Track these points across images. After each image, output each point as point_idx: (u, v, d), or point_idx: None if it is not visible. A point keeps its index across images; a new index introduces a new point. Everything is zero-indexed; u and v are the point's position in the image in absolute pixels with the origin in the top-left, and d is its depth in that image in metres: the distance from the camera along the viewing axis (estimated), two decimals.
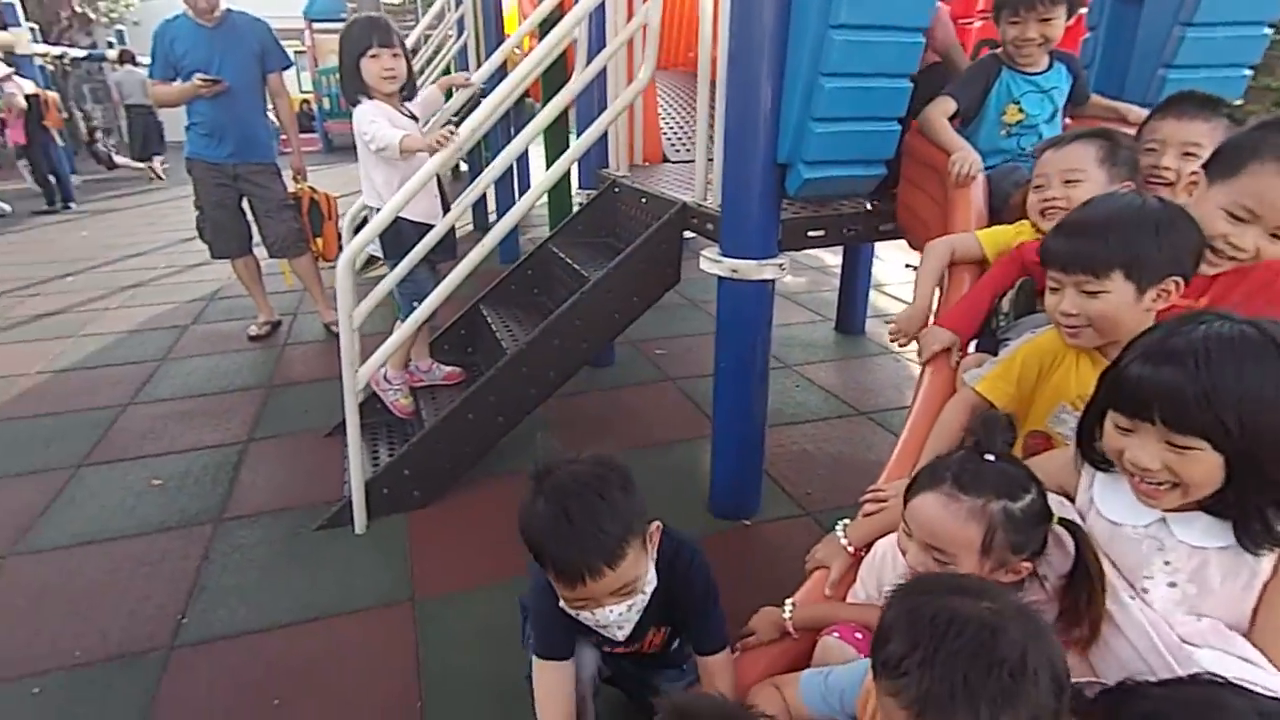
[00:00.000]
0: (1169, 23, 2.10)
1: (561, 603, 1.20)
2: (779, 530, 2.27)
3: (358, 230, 2.78)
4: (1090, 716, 0.81)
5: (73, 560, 2.22)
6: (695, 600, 1.29)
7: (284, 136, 4.00)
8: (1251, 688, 0.77)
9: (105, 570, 2.17)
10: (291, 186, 3.93)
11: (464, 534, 2.30)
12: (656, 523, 1.20)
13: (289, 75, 4.02)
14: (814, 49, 1.81)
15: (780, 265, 2.07)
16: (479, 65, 5.35)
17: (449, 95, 3.07)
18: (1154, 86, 2.15)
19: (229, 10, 3.56)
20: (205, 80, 3.44)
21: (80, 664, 1.82)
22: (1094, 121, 2.03)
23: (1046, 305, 1.22)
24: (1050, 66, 2.04)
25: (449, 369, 2.92)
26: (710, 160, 2.30)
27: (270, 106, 3.83)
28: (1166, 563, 0.95)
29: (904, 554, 1.08)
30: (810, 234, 2.20)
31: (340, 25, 13.54)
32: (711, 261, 2.10)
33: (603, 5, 2.74)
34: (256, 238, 3.93)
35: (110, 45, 12.40)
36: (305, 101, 13.51)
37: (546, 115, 2.41)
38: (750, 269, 2.04)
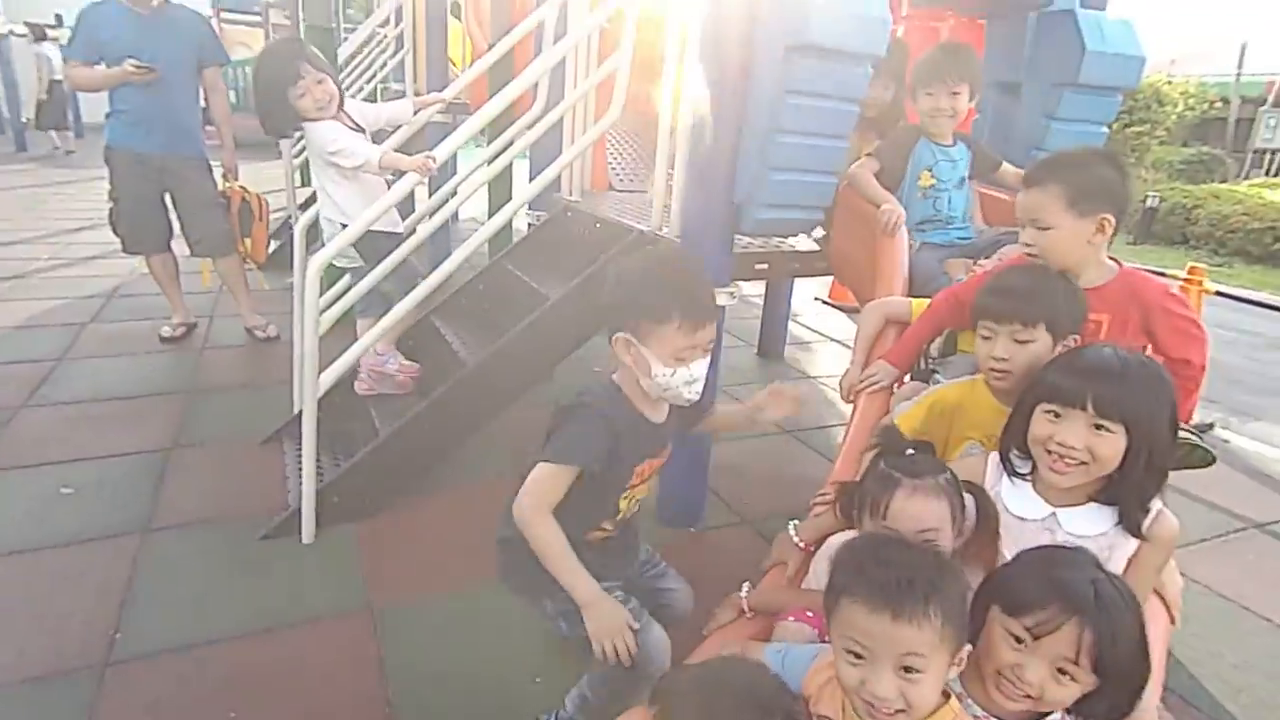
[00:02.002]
0: (1039, 115, 2.55)
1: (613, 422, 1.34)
2: (722, 536, 2.47)
3: (306, 237, 2.77)
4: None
5: None
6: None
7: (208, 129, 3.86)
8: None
9: (17, 585, 2.03)
10: (221, 185, 3.80)
11: (417, 543, 2.35)
12: None
13: None
14: (771, 110, 2.06)
15: (731, 293, 2.29)
16: (415, 79, 5.39)
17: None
18: (1030, 165, 2.56)
19: (168, 1, 3.45)
20: (139, 67, 3.31)
21: None
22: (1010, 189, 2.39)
23: (978, 352, 1.47)
24: (955, 143, 2.37)
25: (407, 363, 2.89)
26: (668, 194, 2.50)
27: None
28: None
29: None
30: (758, 267, 2.44)
31: (253, 19, 12.94)
32: None
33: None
34: (176, 233, 3.77)
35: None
36: None
37: (501, 162, 2.55)
38: None
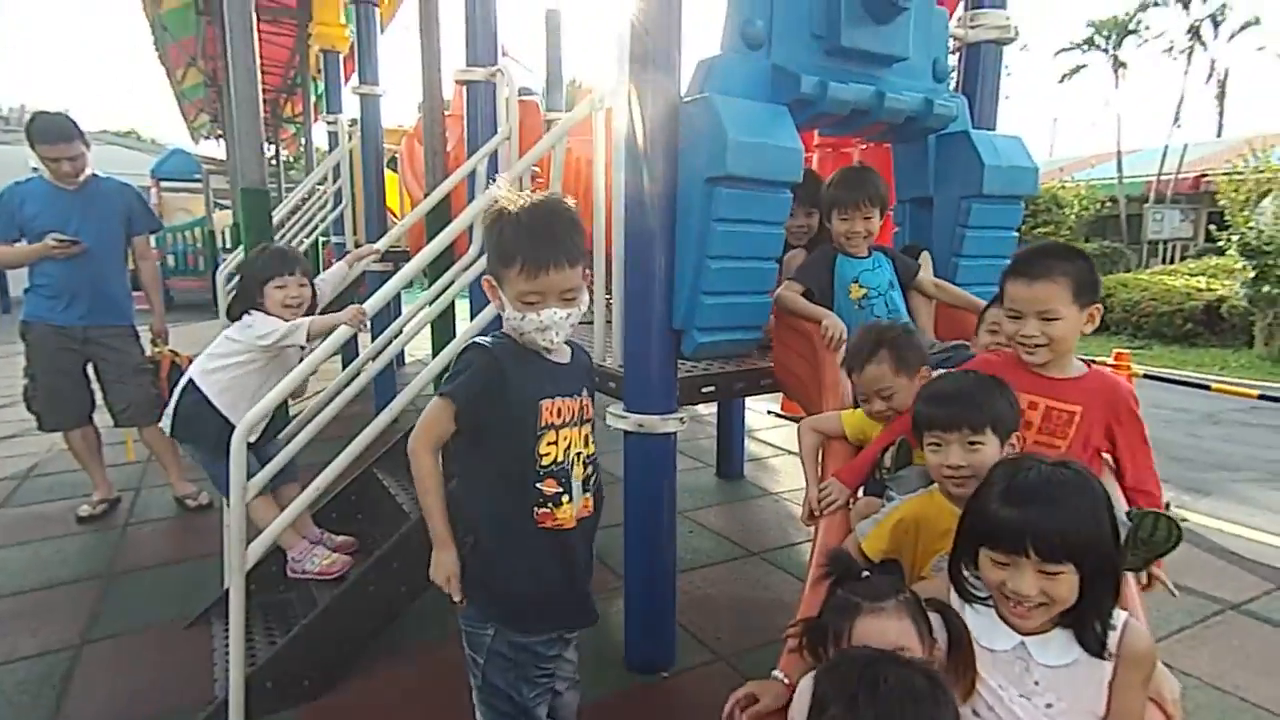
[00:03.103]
0: (952, 224, 2.71)
1: (499, 359, 1.41)
2: (696, 679, 2.28)
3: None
4: None
5: None
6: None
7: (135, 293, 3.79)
8: None
9: None
10: (150, 350, 3.69)
11: None
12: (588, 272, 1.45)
13: None
14: (700, 237, 2.13)
15: (681, 419, 2.26)
16: (354, 233, 5.51)
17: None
18: (951, 269, 2.70)
19: (95, 175, 3.48)
20: (61, 241, 3.27)
21: None
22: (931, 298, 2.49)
23: (929, 463, 1.45)
24: (870, 255, 2.44)
25: (341, 538, 2.75)
26: (608, 323, 2.52)
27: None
28: (1036, 682, 1.14)
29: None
30: (704, 389, 2.42)
31: (190, 185, 13.28)
32: (617, 417, 2.25)
33: None
34: (98, 404, 3.59)
35: None
36: None
37: (441, 303, 2.56)
38: (655, 423, 2.21)
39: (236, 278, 2.65)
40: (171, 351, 3.74)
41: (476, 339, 1.47)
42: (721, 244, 2.13)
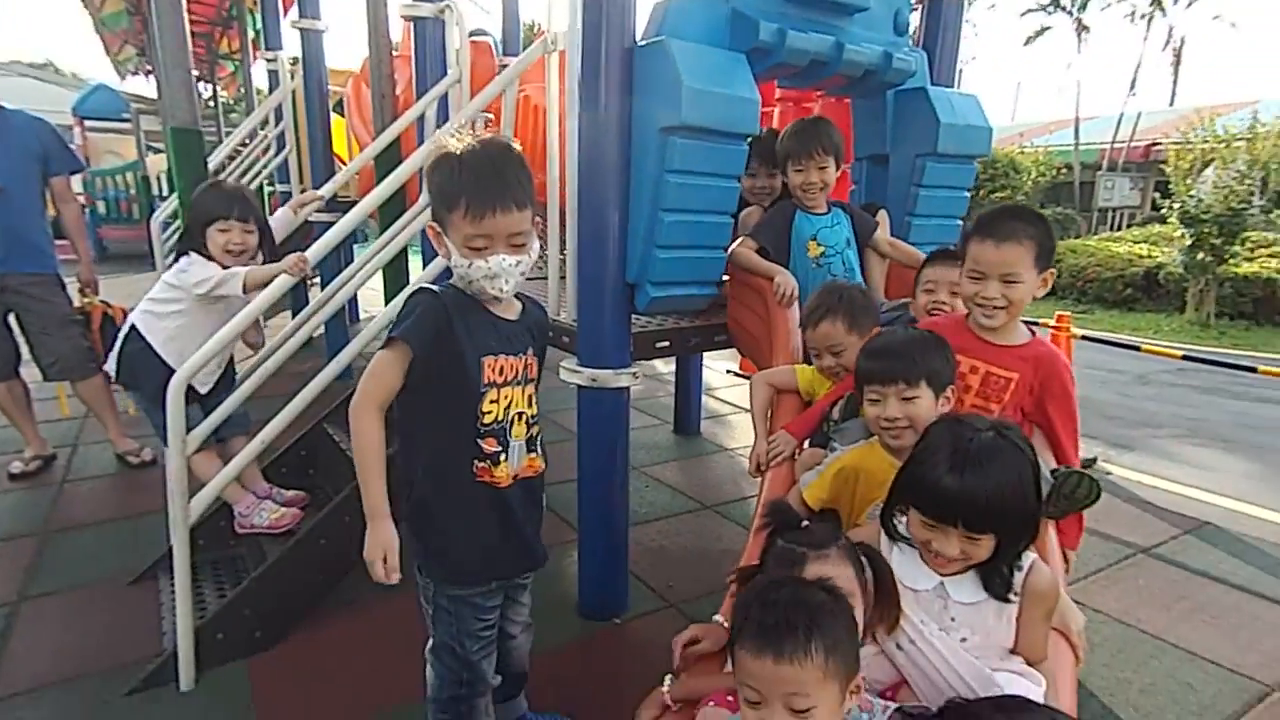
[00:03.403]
0: (906, 182, 2.73)
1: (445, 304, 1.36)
2: (648, 624, 2.34)
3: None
4: None
5: None
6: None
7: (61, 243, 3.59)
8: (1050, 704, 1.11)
9: None
10: (78, 301, 3.51)
11: (318, 673, 2.10)
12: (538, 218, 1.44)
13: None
14: (654, 189, 2.11)
15: (634, 374, 2.26)
16: (300, 179, 5.28)
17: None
18: (904, 229, 2.73)
19: (2, 107, 3.23)
20: None
21: None
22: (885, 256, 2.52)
23: (868, 416, 1.49)
24: (829, 210, 2.45)
25: (291, 493, 2.71)
26: (562, 278, 2.49)
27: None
28: (952, 619, 1.22)
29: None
30: (658, 345, 2.43)
31: (119, 125, 12.32)
32: (571, 372, 2.25)
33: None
34: (24, 357, 3.42)
35: None
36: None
37: (389, 251, 2.49)
38: (608, 378, 2.21)
39: (175, 222, 2.52)
40: (103, 302, 3.55)
41: (424, 284, 1.42)
42: (675, 196, 2.10)
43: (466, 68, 3.02)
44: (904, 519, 1.28)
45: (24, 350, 3.45)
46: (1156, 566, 2.90)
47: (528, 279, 1.48)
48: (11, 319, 3.36)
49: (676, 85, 1.99)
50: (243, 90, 9.83)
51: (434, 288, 1.41)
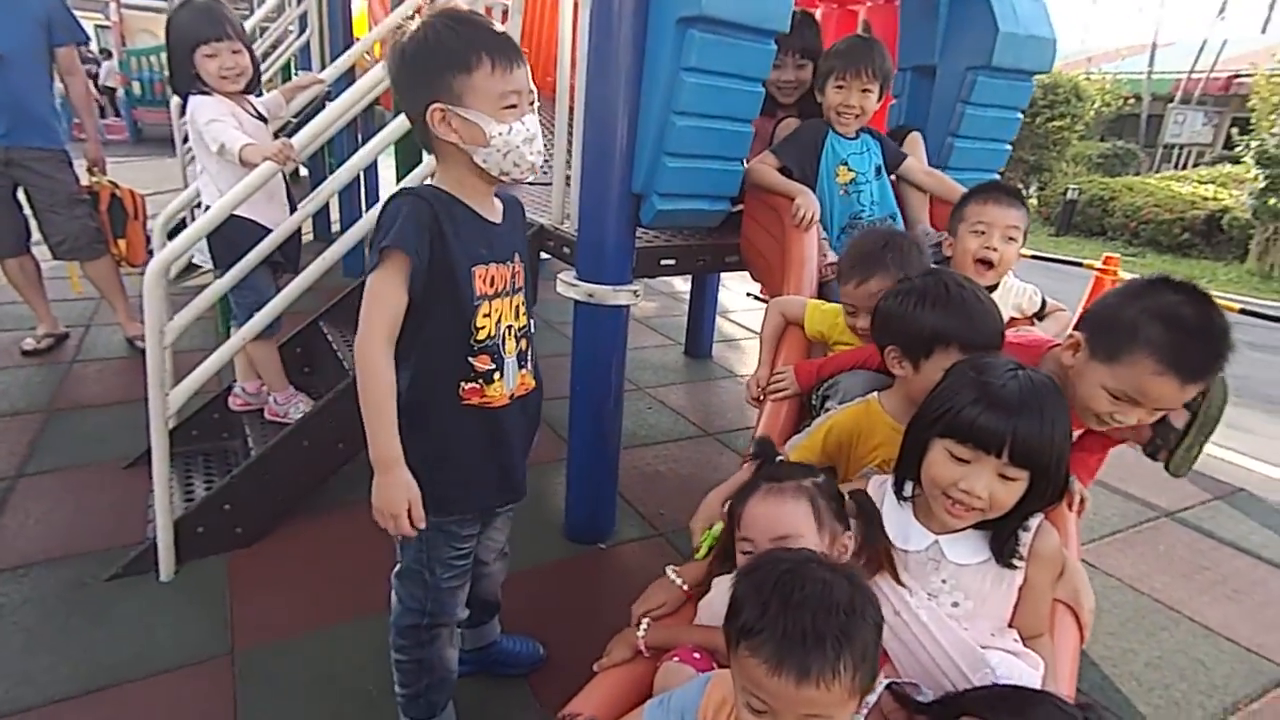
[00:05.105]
0: (953, 99, 2.45)
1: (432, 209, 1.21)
2: (633, 552, 2.30)
3: (172, 235, 2.48)
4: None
5: None
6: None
7: (77, 121, 3.50)
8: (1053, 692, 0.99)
9: None
10: (86, 180, 3.43)
11: (294, 574, 2.10)
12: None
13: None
14: (667, 89, 1.90)
15: (635, 292, 2.12)
16: (323, 65, 5.03)
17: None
18: (945, 152, 2.48)
19: None
20: None
21: None
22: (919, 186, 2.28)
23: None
24: (858, 136, 2.21)
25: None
26: (568, 185, 2.32)
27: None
28: (944, 580, 1.11)
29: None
30: (663, 262, 2.27)
31: (155, 2, 12.00)
32: (568, 285, 2.11)
33: None
34: (36, 235, 3.38)
35: None
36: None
37: (398, 126, 2.31)
38: (606, 294, 2.07)
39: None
40: (111, 182, 3.48)
41: (403, 187, 1.28)
42: (690, 98, 1.90)
43: None
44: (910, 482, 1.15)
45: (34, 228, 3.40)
46: (1180, 532, 2.75)
47: (536, 184, 1.33)
48: (20, 195, 3.29)
49: None
50: None
51: (415, 188, 1.26)
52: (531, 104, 1.24)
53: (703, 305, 4.10)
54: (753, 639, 0.82)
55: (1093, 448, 1.51)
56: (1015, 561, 1.11)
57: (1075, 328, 1.28)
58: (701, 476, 2.82)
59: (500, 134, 1.19)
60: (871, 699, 1.03)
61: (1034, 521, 1.12)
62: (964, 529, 1.11)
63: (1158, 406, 1.19)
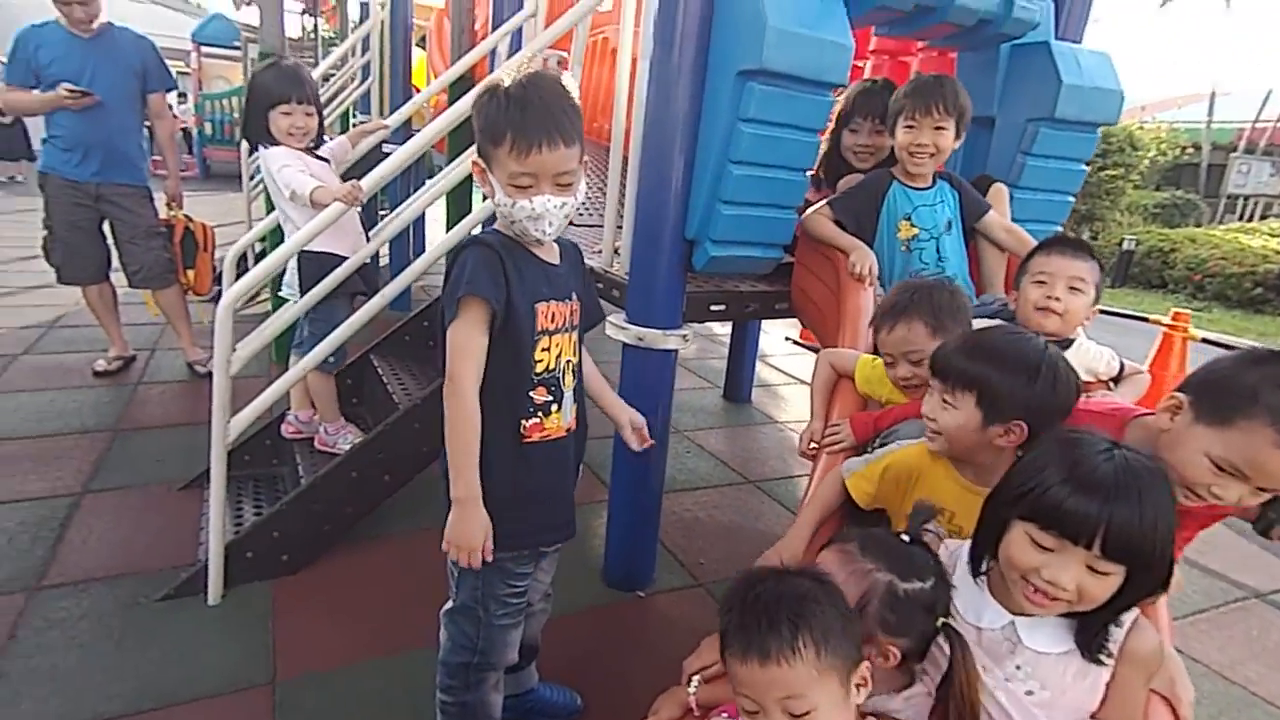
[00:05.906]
0: (1013, 150, 2.41)
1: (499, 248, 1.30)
2: (673, 602, 2.25)
3: (240, 269, 2.59)
4: None
5: None
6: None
7: (156, 158, 3.73)
8: None
9: None
10: (164, 213, 3.64)
11: (338, 604, 2.12)
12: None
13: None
14: (724, 138, 1.92)
15: (684, 336, 2.12)
16: (382, 111, 5.27)
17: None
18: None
19: (110, 24, 3.34)
20: (73, 91, 3.16)
21: None
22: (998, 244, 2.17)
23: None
24: (934, 184, 2.10)
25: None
26: (619, 228, 2.35)
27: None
28: (1018, 666, 1.02)
29: None
30: (712, 308, 2.27)
31: (230, 52, 12.79)
32: (618, 328, 2.13)
33: None
34: (116, 264, 3.58)
35: None
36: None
37: (454, 177, 2.40)
38: (656, 338, 2.08)
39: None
40: (185, 216, 3.69)
41: (472, 234, 1.34)
42: (748, 148, 1.92)
43: (544, 2, 2.87)
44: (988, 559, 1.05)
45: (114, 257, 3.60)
46: (1271, 615, 2.56)
47: (584, 226, 1.37)
48: (105, 226, 3.51)
49: (759, 23, 1.79)
50: (349, 22, 9.93)
51: (480, 237, 1.35)
52: (564, 185, 1.28)
53: (743, 349, 4.07)
54: (727, 644, 0.91)
55: (1187, 523, 1.39)
56: (1103, 659, 0.99)
57: (1177, 390, 1.17)
58: (741, 524, 2.77)
59: (506, 205, 1.28)
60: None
61: (1128, 617, 0.99)
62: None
63: (1267, 485, 1.05)
